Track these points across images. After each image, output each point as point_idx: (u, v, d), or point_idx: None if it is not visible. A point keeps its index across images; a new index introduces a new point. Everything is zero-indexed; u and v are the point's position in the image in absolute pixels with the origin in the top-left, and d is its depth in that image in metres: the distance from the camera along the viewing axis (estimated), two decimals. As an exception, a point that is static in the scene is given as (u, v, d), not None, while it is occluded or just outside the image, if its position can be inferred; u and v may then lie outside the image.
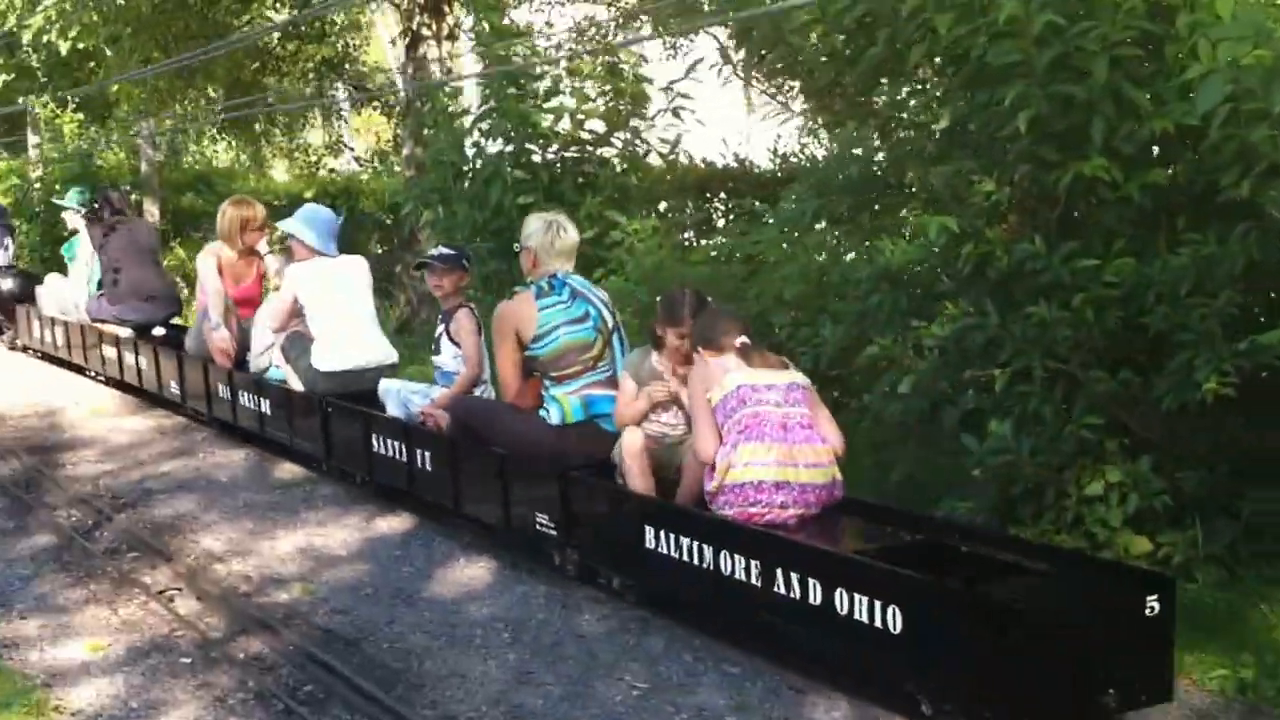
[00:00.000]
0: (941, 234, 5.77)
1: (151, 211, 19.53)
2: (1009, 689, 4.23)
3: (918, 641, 4.41)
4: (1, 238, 14.85)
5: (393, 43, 15.86)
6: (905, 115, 6.92)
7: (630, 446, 5.96)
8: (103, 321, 11.53)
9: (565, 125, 10.36)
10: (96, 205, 11.99)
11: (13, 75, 20.66)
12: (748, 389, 5.37)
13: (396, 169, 18.08)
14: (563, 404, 6.49)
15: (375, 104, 18.56)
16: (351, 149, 19.51)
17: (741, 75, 18.47)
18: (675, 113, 10.41)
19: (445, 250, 7.81)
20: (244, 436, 9.44)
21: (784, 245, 8.90)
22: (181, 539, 7.40)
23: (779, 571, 4.93)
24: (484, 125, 10.24)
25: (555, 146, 10.18)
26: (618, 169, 10.33)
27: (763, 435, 5.28)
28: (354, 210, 17.54)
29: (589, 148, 10.33)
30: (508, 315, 6.60)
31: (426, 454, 7.18)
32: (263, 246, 10.03)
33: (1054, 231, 6.02)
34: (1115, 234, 5.91)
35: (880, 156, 7.05)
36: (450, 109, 10.83)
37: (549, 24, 15.00)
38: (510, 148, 10.04)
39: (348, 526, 7.58)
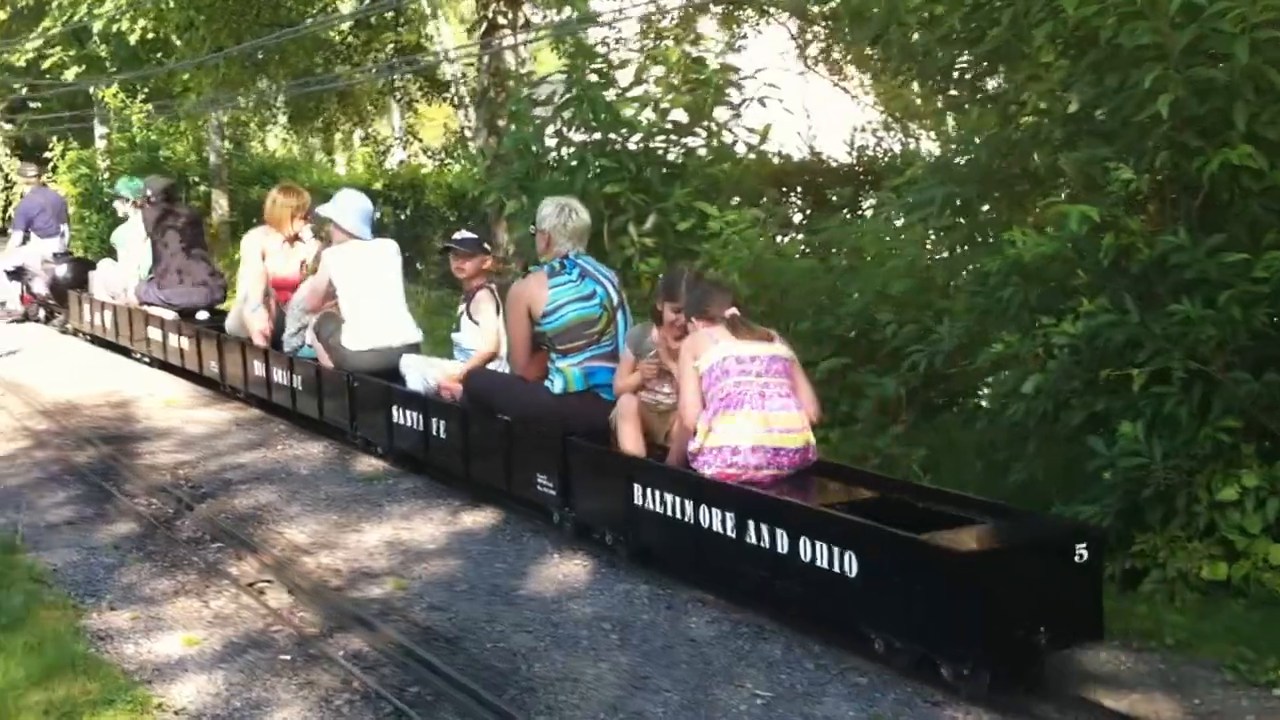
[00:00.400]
0: (1083, 224, 5.45)
1: (220, 204, 19.47)
2: (951, 627, 4.69)
3: (871, 585, 4.89)
4: (58, 226, 15.23)
5: (469, 31, 15.74)
6: (1027, 100, 6.58)
7: (624, 411, 6.51)
8: (150, 305, 12.04)
9: (649, 114, 10.07)
10: (148, 194, 12.35)
11: (83, 67, 20.59)
12: (732, 360, 5.81)
13: (462, 162, 17.89)
14: (566, 375, 6.93)
15: (444, 95, 18.38)
16: (420, 140, 19.31)
17: (812, 67, 18.23)
18: (761, 101, 10.12)
19: (466, 235, 8.40)
20: (276, 410, 9.91)
21: (886, 239, 8.64)
22: (265, 530, 7.19)
23: (750, 523, 5.42)
24: (566, 114, 9.97)
25: (640, 136, 9.89)
26: (704, 159, 10.02)
27: (742, 403, 5.74)
28: (419, 204, 17.33)
29: (674, 137, 10.03)
30: (521, 293, 7.08)
31: (441, 423, 7.70)
32: (306, 232, 10.26)
33: (1195, 222, 5.70)
34: (1263, 226, 5.58)
35: (1003, 143, 6.71)
36: (531, 96, 10.57)
37: (620, 11, 14.68)
38: (595, 136, 9.77)
39: (433, 521, 7.35)
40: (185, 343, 11.22)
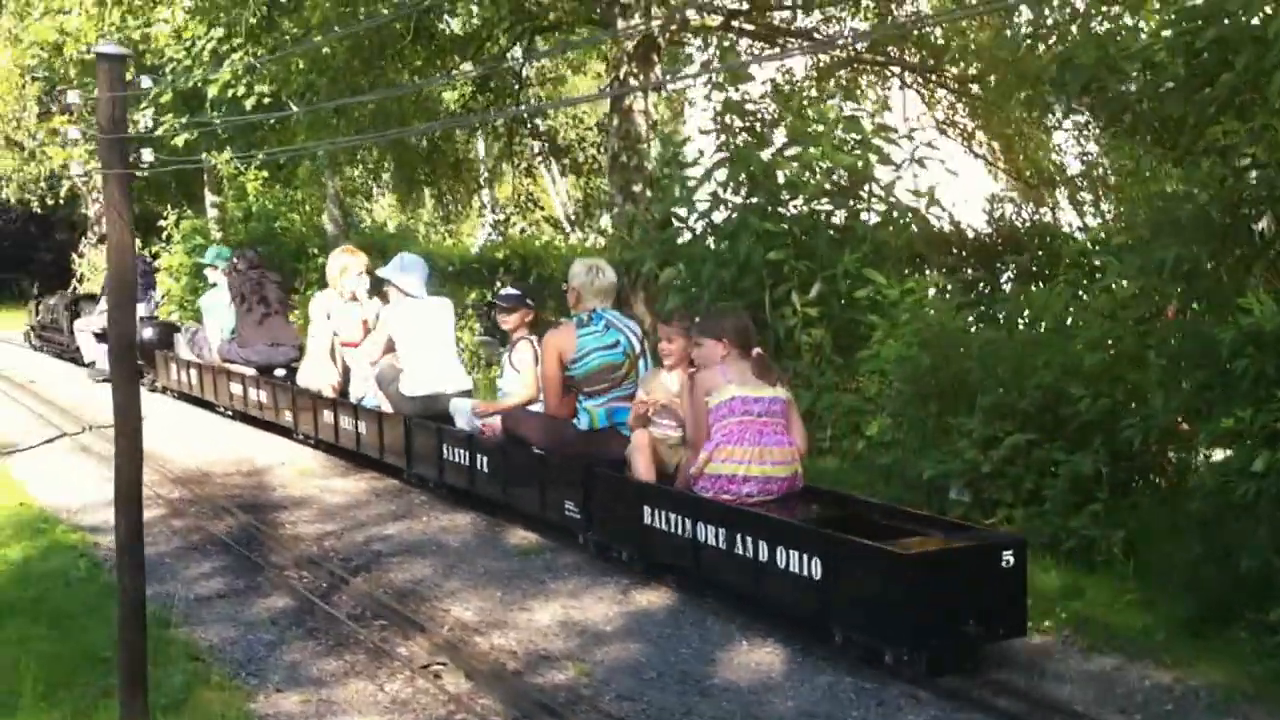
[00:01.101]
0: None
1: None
2: (896, 620, 5.50)
3: (832, 584, 5.72)
4: (145, 291, 16.40)
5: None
6: (1256, 152, 6.06)
7: (636, 444, 7.36)
8: (231, 362, 13.05)
9: (808, 176, 9.64)
10: (234, 262, 13.53)
11: (194, 135, 20.69)
12: (738, 401, 6.66)
13: (587, 229, 17.59)
14: (590, 414, 7.86)
15: (566, 160, 18.15)
16: (541, 209, 19.07)
17: (944, 131, 17.70)
18: (920, 163, 9.68)
19: (510, 291, 9.59)
20: (345, 455, 10.63)
21: (1070, 309, 8.12)
22: (429, 607, 6.77)
23: (737, 536, 6.25)
24: (719, 176, 9.57)
25: (801, 199, 9.46)
26: (870, 224, 9.55)
27: (742, 440, 6.61)
28: (540, 275, 16.90)
29: (837, 200, 9.58)
30: (553, 341, 8.00)
31: (484, 458, 8.61)
32: (362, 291, 11.16)
33: None
34: None
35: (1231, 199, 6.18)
36: (679, 158, 10.19)
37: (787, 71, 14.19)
38: (755, 199, 9.36)
39: (603, 600, 6.89)
40: (264, 396, 12.16)
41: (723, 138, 9.80)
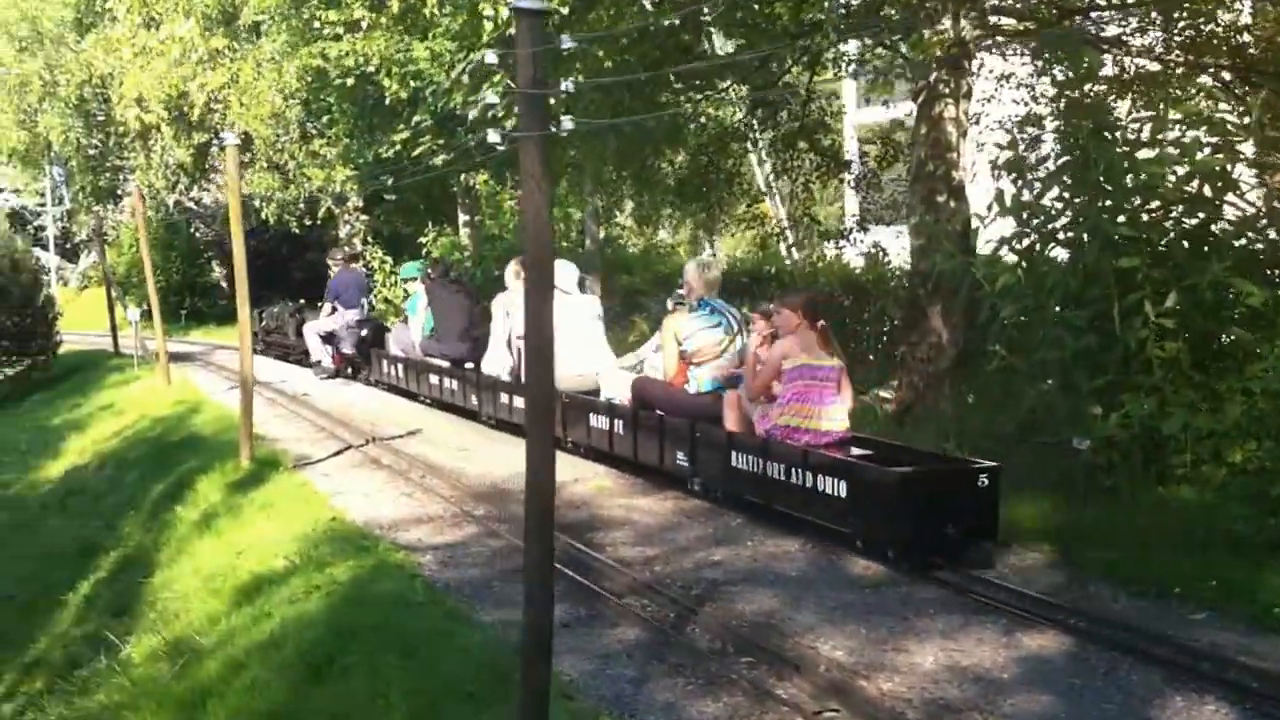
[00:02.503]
0: None
1: (595, 289, 19.07)
2: (901, 526, 7.34)
3: (852, 502, 7.57)
4: (359, 299, 18.37)
5: (885, 103, 14.88)
6: None
7: (728, 402, 9.36)
8: (430, 357, 15.23)
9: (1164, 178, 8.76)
10: (429, 273, 16.04)
11: (451, 155, 20.73)
12: (807, 367, 8.49)
13: (854, 241, 16.88)
14: (698, 380, 9.93)
15: (841, 175, 17.50)
16: (819, 223, 18.46)
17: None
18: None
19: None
20: (512, 430, 12.19)
21: None
22: (792, 643, 6.18)
23: (793, 470, 8.13)
24: (1065, 178, 8.78)
25: (1156, 204, 8.61)
26: (1234, 229, 8.63)
27: (806, 399, 8.45)
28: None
29: (1198, 205, 8.68)
30: (670, 324, 10.23)
31: (620, 422, 10.42)
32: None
33: None
34: None
35: None
36: (1023, 158, 9.40)
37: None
38: (1107, 203, 8.55)
39: (984, 641, 6.21)
40: (455, 384, 14.17)
41: (1071, 136, 8.98)
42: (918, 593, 7.03)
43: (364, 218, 29.85)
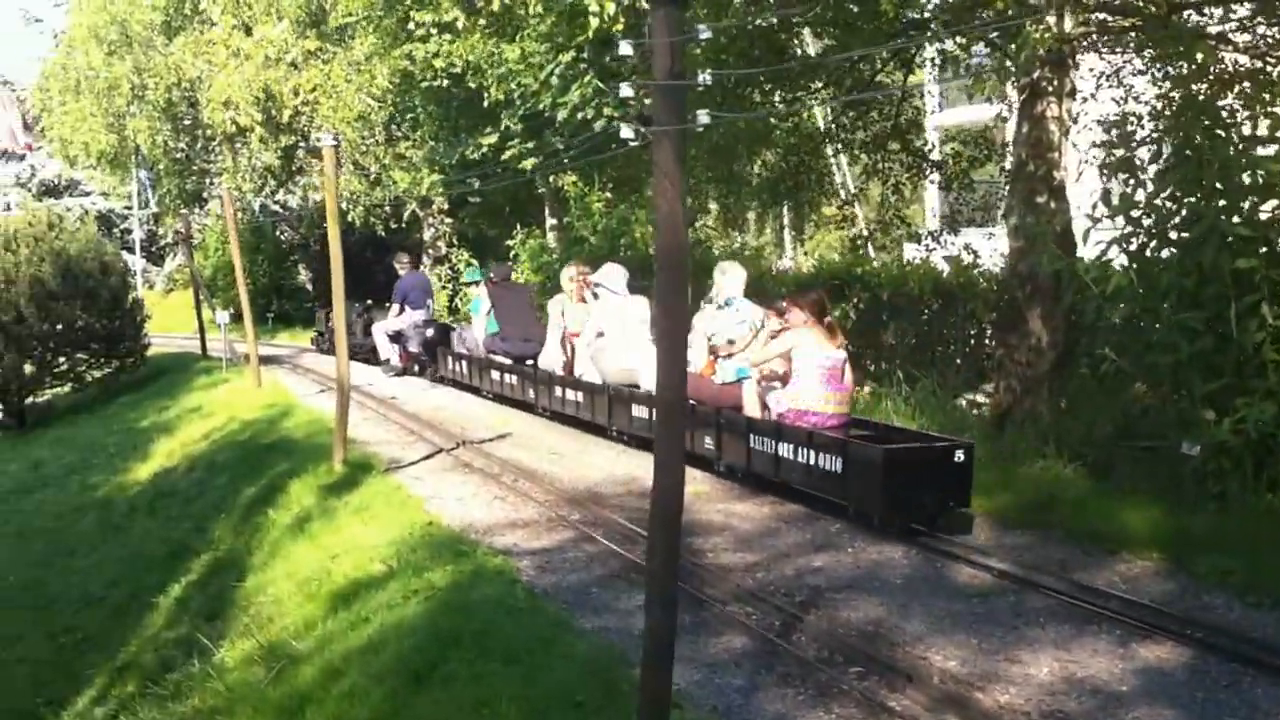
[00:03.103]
0: None
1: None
2: (884, 495, 8.23)
3: (846, 475, 8.54)
4: (424, 300, 19.48)
5: (989, 100, 14.60)
6: None
7: (746, 390, 10.28)
8: (493, 354, 16.22)
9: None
10: (491, 277, 17.17)
11: (539, 158, 20.73)
12: (821, 356, 9.40)
13: (944, 244, 16.60)
14: (724, 371, 10.78)
15: (931, 177, 17.22)
16: (908, 225, 18.18)
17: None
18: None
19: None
20: (568, 420, 13.44)
21: None
22: (901, 653, 6.03)
23: (799, 448, 9.07)
24: (1178, 177, 8.52)
25: (1275, 203, 8.32)
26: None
27: (815, 385, 9.37)
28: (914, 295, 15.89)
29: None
30: (698, 321, 11.05)
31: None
32: (588, 294, 13.67)
33: None
34: None
35: None
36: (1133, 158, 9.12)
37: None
38: (1222, 202, 8.28)
39: (1099, 652, 6.02)
40: (515, 379, 15.20)
41: (1182, 135, 8.72)
42: (1027, 601, 6.85)
43: (448, 220, 29.95)
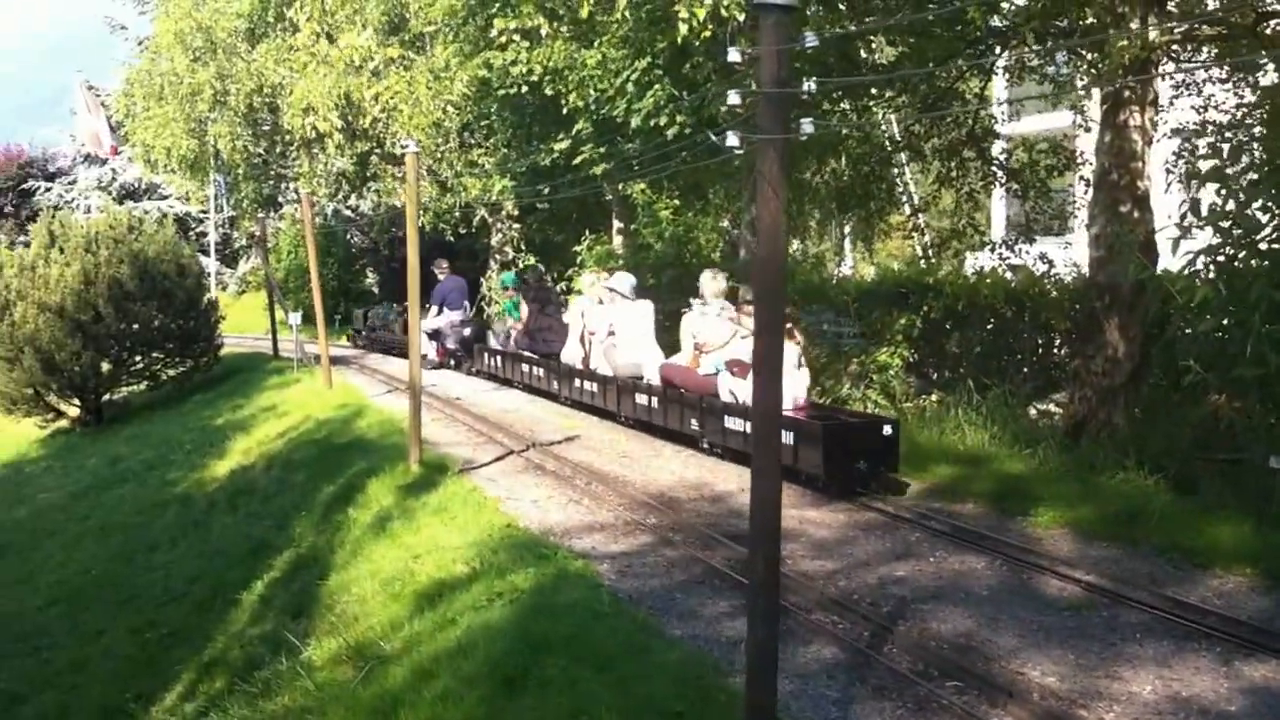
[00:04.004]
0: None
1: (746, 298, 18.90)
2: (824, 463, 9.73)
3: (797, 448, 9.95)
4: (461, 301, 21.69)
5: (1073, 108, 14.39)
6: None
7: (721, 380, 11.82)
8: (524, 350, 18.01)
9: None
10: (525, 280, 19.58)
11: (610, 164, 20.73)
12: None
13: (1019, 254, 16.43)
14: (705, 364, 12.25)
15: (1008, 185, 17.02)
16: (980, 233, 17.98)
17: None
18: None
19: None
20: (586, 408, 15.04)
21: None
22: (997, 667, 5.94)
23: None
24: (1272, 188, 8.36)
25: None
26: None
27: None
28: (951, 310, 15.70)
29: None
30: (686, 321, 12.90)
31: (654, 399, 12.96)
32: (607, 297, 14.98)
33: None
34: None
35: None
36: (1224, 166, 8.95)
37: None
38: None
39: (1202, 670, 5.91)
40: (541, 373, 16.78)
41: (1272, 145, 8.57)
42: (1121, 615, 6.74)
43: (516, 226, 30.06)
